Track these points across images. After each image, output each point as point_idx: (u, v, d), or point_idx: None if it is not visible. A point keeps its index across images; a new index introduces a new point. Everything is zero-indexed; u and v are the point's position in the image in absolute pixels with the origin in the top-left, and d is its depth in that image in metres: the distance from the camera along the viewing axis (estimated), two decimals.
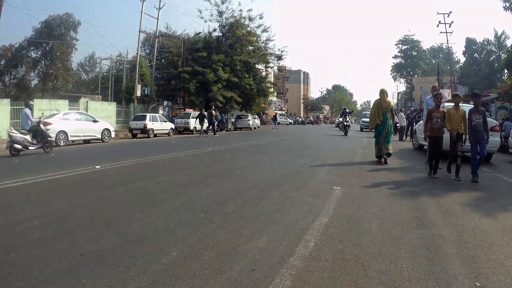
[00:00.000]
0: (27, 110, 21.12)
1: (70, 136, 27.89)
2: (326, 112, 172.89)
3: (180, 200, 8.71)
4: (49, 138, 21.52)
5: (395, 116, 26.76)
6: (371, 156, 18.66)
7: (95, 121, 30.87)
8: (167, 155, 18.17)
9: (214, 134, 42.75)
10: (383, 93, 17.62)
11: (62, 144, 26.89)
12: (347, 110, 48.78)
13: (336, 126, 68.66)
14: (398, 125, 36.88)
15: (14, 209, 7.96)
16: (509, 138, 20.47)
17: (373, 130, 17.78)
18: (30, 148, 19.44)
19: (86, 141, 30.20)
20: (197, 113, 47.92)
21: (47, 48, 76.71)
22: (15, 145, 18.82)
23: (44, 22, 76.42)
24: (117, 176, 12.10)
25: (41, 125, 20.62)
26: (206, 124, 42.66)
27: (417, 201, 8.92)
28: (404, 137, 36.02)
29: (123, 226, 6.75)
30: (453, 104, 13.58)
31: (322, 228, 6.68)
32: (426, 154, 20.11)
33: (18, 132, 19.33)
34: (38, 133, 20.11)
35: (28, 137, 19.47)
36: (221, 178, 11.70)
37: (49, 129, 25.90)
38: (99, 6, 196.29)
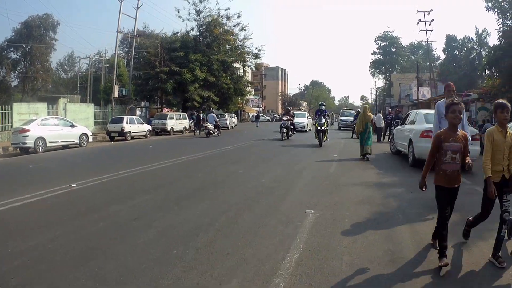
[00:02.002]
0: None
1: (49, 142, 28.22)
2: (304, 108, 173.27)
3: (153, 230, 8.60)
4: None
5: (373, 121, 29.12)
6: (347, 164, 19.95)
7: (72, 126, 31.22)
8: (142, 168, 17.96)
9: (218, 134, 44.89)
10: (366, 108, 23.46)
11: (40, 151, 27.27)
12: (324, 108, 32.16)
13: (280, 129, 38.41)
14: (376, 126, 37.16)
15: None
16: None
17: (358, 136, 23.13)
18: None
19: (65, 146, 30.20)
20: (178, 114, 49.08)
21: (27, 49, 76.41)
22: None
23: (23, 23, 76.12)
24: (92, 198, 11.87)
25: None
26: (210, 125, 43.78)
27: (390, 228, 8.83)
28: (382, 138, 36.44)
29: (99, 267, 6.64)
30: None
31: (291, 268, 6.57)
32: (404, 161, 20.33)
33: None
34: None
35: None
36: (195, 199, 11.56)
37: (27, 136, 26.07)
38: (77, 6, 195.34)
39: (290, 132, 39.34)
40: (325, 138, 31.61)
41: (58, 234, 8.34)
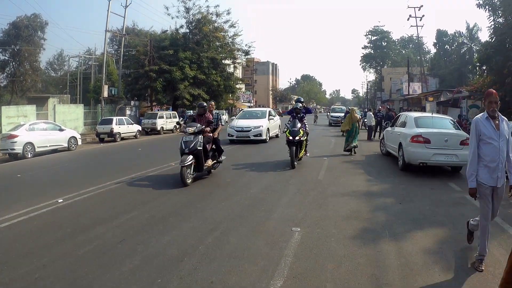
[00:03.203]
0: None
1: (37, 147, 28.18)
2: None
3: (138, 255, 8.46)
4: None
5: (361, 120, 35.91)
6: (338, 168, 20.53)
7: (61, 129, 31.16)
8: (127, 178, 17.77)
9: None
10: (353, 110, 28.08)
11: (29, 156, 27.28)
12: (300, 107, 22.17)
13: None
14: (367, 124, 37.34)
15: None
16: None
17: (345, 133, 27.53)
18: None
19: (54, 150, 30.05)
20: (168, 112, 48.99)
21: (15, 49, 75.84)
22: None
23: (11, 24, 75.63)
24: (78, 217, 11.63)
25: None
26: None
27: (377, 249, 8.71)
28: (372, 136, 36.35)
29: None
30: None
31: None
32: (394, 164, 20.36)
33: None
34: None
35: None
36: (181, 217, 11.36)
37: (15, 142, 25.91)
38: (65, 6, 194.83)
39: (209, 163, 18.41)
40: (301, 153, 21.33)
41: (45, 262, 8.19)
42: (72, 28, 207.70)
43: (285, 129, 21.20)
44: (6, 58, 78.88)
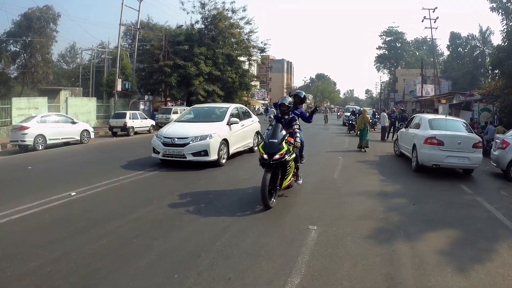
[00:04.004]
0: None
1: (49, 139, 27.83)
2: (309, 101, 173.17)
3: (155, 250, 8.46)
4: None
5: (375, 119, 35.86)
6: (352, 167, 20.35)
7: (73, 122, 30.86)
8: (143, 172, 17.68)
9: None
10: (365, 111, 29.52)
11: (40, 148, 26.89)
12: (290, 103, 13.54)
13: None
14: (380, 124, 37.36)
15: None
16: (492, 150, 20.39)
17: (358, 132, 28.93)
18: None
19: (66, 143, 29.83)
20: (182, 108, 48.68)
21: (27, 41, 75.98)
22: None
23: (23, 15, 75.67)
24: (92, 210, 11.63)
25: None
26: None
27: (391, 248, 8.77)
28: (386, 137, 36.21)
29: None
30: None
31: None
32: (407, 165, 20.33)
33: None
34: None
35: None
36: (196, 214, 11.25)
37: (26, 133, 25.78)
38: None
39: None
40: (286, 182, 12.94)
41: (58, 255, 8.14)
42: (85, 20, 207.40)
43: (259, 141, 12.96)
44: (17, 49, 79.23)
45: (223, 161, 19.73)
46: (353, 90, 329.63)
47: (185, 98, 59.10)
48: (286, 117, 13.38)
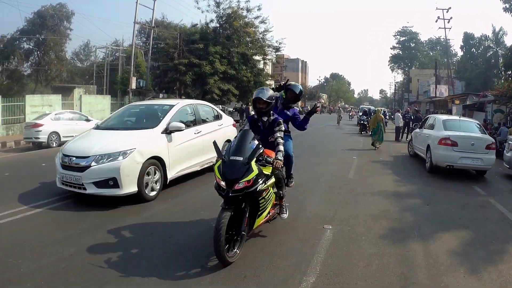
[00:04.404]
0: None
1: (63, 136, 27.98)
2: (323, 101, 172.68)
3: (169, 247, 8.54)
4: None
5: (385, 120, 36.09)
6: (367, 167, 20.49)
7: (88, 120, 31.06)
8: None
9: None
10: (379, 111, 30.53)
11: (54, 146, 27.20)
12: (270, 98, 8.91)
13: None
14: (395, 124, 37.41)
15: None
16: (505, 151, 20.38)
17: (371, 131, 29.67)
18: None
19: None
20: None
21: (40, 39, 76.46)
22: None
23: (36, 13, 76.19)
24: (109, 206, 11.46)
25: None
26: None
27: (406, 249, 8.84)
28: (400, 137, 36.23)
29: None
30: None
31: None
32: (421, 166, 20.35)
33: None
34: None
35: None
36: (212, 211, 10.71)
37: (40, 131, 25.95)
38: None
39: None
40: (260, 220, 8.46)
41: (73, 252, 8.15)
42: (98, 18, 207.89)
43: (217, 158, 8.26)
44: (31, 47, 79.55)
45: (153, 193, 12.50)
46: (367, 90, 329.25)
47: (200, 97, 59.10)
48: (265, 119, 9.04)
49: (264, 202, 8.22)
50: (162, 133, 13.18)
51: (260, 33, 64.27)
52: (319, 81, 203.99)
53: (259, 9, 63.84)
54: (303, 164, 19.77)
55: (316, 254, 8.31)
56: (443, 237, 9.74)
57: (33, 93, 54.38)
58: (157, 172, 12.74)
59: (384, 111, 51.41)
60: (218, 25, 61.06)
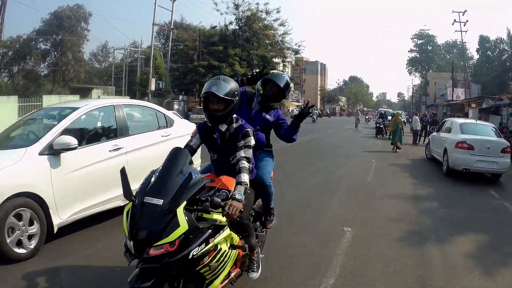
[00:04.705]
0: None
1: None
2: (342, 104, 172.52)
3: None
4: None
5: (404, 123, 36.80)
6: (385, 170, 20.77)
7: None
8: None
9: None
10: (398, 114, 31.29)
11: None
12: (214, 92, 5.03)
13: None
14: (412, 128, 37.49)
15: None
16: None
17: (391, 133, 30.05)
18: None
19: None
20: None
21: (57, 39, 77.00)
22: None
23: (53, 14, 76.97)
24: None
25: None
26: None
27: (423, 251, 8.99)
28: (417, 141, 36.28)
29: None
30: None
31: None
32: (438, 169, 20.40)
33: None
34: None
35: None
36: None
37: None
38: None
39: None
40: None
41: (92, 252, 8.22)
42: (116, 20, 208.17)
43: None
44: (48, 47, 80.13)
45: (23, 251, 7.47)
46: (385, 93, 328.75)
47: None
48: (223, 128, 5.50)
49: (210, 271, 4.77)
50: (41, 154, 7.94)
51: (279, 36, 64.29)
52: (338, 84, 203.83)
53: (278, 12, 63.83)
54: (325, 167, 19.86)
55: (335, 256, 8.43)
56: (459, 240, 9.86)
57: (50, 94, 55.00)
58: (32, 218, 7.60)
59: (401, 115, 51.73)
60: (237, 27, 61.32)
